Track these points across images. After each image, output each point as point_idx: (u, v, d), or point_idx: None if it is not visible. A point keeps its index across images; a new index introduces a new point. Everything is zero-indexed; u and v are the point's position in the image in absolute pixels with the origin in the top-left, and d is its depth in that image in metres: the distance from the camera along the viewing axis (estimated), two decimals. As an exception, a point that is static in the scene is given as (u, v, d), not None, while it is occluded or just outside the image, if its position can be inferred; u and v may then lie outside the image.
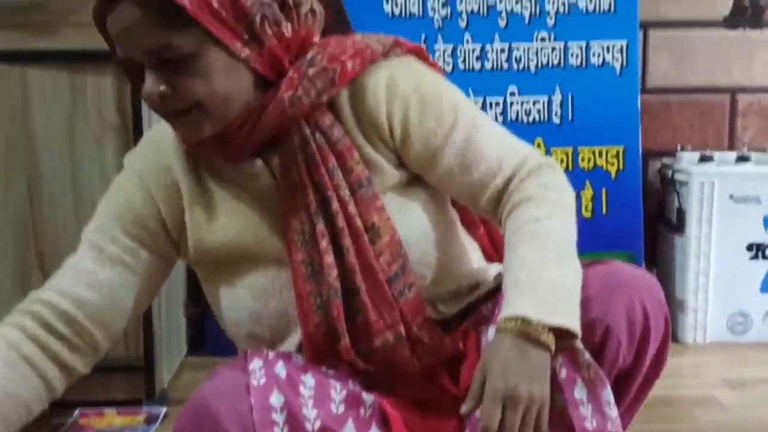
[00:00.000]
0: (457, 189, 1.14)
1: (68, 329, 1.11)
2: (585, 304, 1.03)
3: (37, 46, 1.84)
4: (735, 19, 2.58)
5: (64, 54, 1.84)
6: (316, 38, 1.12)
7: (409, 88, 1.10)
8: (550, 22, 2.37)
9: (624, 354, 1.06)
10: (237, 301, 1.13)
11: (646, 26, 2.52)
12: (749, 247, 2.39)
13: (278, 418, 1.01)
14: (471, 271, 1.21)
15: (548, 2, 2.36)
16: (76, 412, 1.92)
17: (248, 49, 1.03)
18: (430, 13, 2.35)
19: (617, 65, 2.37)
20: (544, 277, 1.01)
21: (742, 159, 2.43)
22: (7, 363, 1.07)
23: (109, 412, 1.92)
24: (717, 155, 2.44)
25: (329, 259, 1.07)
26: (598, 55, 2.37)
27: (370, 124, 1.10)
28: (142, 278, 1.15)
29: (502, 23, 2.36)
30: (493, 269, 1.24)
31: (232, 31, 1.02)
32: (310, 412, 1.03)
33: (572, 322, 0.99)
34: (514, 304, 1.00)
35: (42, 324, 1.10)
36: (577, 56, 2.36)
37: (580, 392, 1.02)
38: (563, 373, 1.02)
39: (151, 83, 1.02)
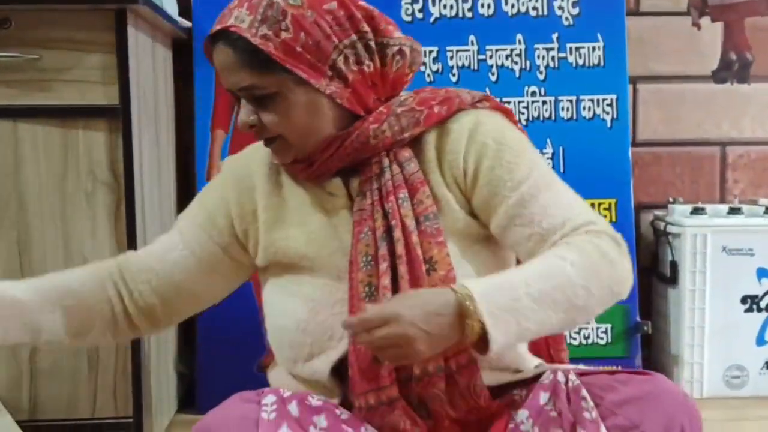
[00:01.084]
0: (517, 239, 1.17)
1: (134, 285, 1.29)
2: (623, 405, 1.05)
3: (29, 101, 1.84)
4: (722, 74, 2.61)
5: (56, 109, 1.85)
6: (408, 78, 1.24)
7: (490, 137, 1.19)
8: (540, 76, 2.39)
9: None
10: (289, 309, 1.20)
11: (635, 80, 2.55)
12: (743, 300, 2.38)
13: None
14: (516, 353, 1.22)
15: (538, 57, 2.38)
16: (63, 474, 1.88)
17: (333, 86, 1.16)
18: (422, 68, 2.37)
19: (608, 118, 2.39)
20: (519, 292, 1.05)
21: (734, 211, 2.43)
22: (83, 272, 1.33)
23: (97, 472, 1.88)
24: (709, 207, 2.45)
25: (386, 281, 1.13)
26: (589, 109, 2.39)
27: (449, 165, 1.19)
28: (204, 267, 1.30)
29: (492, 78, 2.38)
30: (535, 361, 1.26)
31: (316, 71, 1.14)
32: None
33: (500, 341, 1.03)
34: (476, 281, 1.07)
35: (115, 272, 1.30)
36: (567, 110, 2.38)
37: None
38: None
39: (243, 114, 1.18)
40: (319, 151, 1.18)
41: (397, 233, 1.14)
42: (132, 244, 1.85)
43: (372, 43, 1.16)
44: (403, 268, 1.12)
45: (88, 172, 1.87)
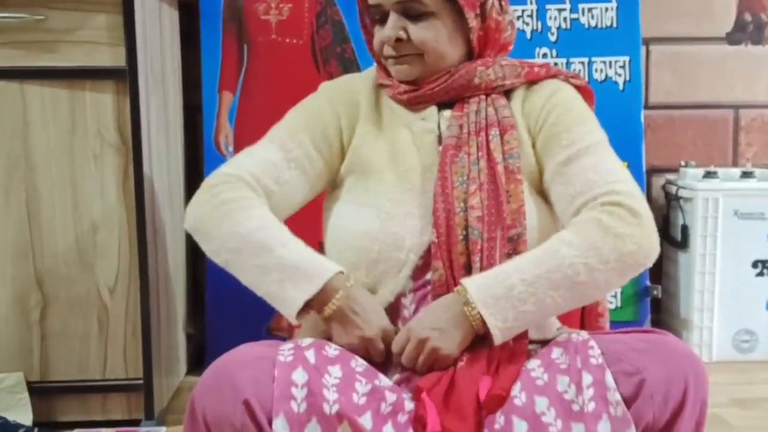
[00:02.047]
0: (556, 196, 1.27)
1: (267, 200, 1.31)
2: (628, 354, 1.09)
3: (36, 63, 1.83)
4: (737, 35, 2.58)
5: (63, 71, 1.84)
6: (511, 48, 1.39)
7: (564, 101, 1.32)
8: (552, 38, 2.36)
9: (656, 413, 1.06)
10: (361, 216, 1.28)
11: (648, 42, 2.51)
12: (754, 264, 2.37)
13: (298, 393, 1.05)
14: (553, 322, 1.34)
15: (550, 18, 2.35)
16: (74, 433, 1.90)
17: (476, 22, 1.30)
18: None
19: (620, 81, 2.36)
20: (512, 278, 1.16)
21: (746, 175, 2.41)
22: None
23: (108, 432, 1.90)
24: (721, 171, 2.43)
25: (474, 200, 1.24)
26: (601, 71, 2.36)
27: (527, 116, 1.32)
28: (311, 184, 1.35)
29: (503, 39, 2.35)
30: (557, 324, 1.35)
31: (471, 4, 1.29)
32: (331, 394, 1.06)
33: (500, 326, 1.15)
34: (473, 281, 1.17)
35: (253, 191, 1.30)
36: (579, 71, 2.35)
37: (603, 427, 1.05)
38: (590, 406, 1.06)
39: (392, 28, 1.29)
40: (428, 81, 1.31)
41: (483, 163, 1.26)
42: (140, 205, 1.85)
43: (503, 3, 1.33)
44: (483, 194, 1.24)
45: (96, 134, 1.86)
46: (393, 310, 1.25)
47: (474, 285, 1.17)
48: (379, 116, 1.36)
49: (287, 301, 1.20)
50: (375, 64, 1.40)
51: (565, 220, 1.25)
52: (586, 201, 1.21)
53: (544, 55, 2.35)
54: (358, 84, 1.40)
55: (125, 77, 1.83)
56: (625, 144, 2.37)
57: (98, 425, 1.93)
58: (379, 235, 1.25)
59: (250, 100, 2.31)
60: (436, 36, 1.29)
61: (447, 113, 1.33)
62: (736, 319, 2.38)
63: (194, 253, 2.38)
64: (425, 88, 1.32)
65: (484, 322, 1.16)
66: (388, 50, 1.31)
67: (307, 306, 1.20)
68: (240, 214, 1.25)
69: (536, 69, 1.35)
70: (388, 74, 1.36)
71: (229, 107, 2.32)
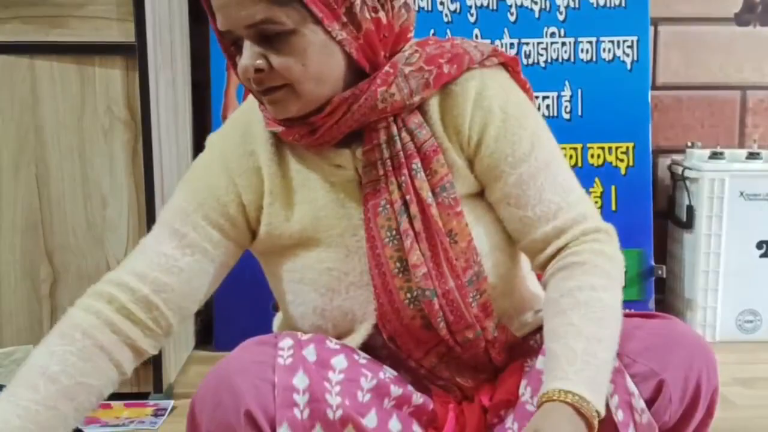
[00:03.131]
0: (507, 217, 1.13)
1: (146, 314, 1.09)
2: (643, 353, 1.03)
3: (46, 38, 1.83)
4: (745, 16, 2.57)
5: (72, 46, 1.84)
6: (411, 35, 1.11)
7: (495, 105, 1.10)
8: (560, 17, 2.35)
9: (671, 413, 1.04)
10: (301, 297, 1.13)
11: (656, 22, 2.51)
12: (759, 245, 2.38)
13: (300, 399, 1.01)
14: (536, 294, 1.20)
15: (558, -3, 2.35)
16: (84, 406, 1.92)
17: (345, 32, 1.02)
18: (439, 8, 2.34)
19: (627, 61, 2.36)
20: (598, 357, 1.00)
21: (753, 156, 2.41)
22: (82, 353, 1.05)
23: (117, 404, 1.92)
24: (727, 152, 2.43)
25: (414, 258, 1.07)
26: (609, 51, 2.36)
27: (455, 130, 1.10)
28: (218, 265, 1.14)
29: (511, 18, 2.35)
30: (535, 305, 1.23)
31: (332, 12, 1.01)
32: (334, 399, 1.02)
33: (603, 407, 0.98)
34: (569, 379, 0.97)
35: (119, 309, 1.08)
36: (587, 52, 2.35)
37: None
38: (620, 415, 1.01)
39: (248, 57, 1.01)
40: (324, 115, 1.06)
41: (414, 209, 1.08)
42: (149, 180, 1.86)
43: None
44: (423, 246, 1.08)
45: (106, 109, 1.87)
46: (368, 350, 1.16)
47: (584, 387, 0.97)
48: (286, 178, 1.13)
49: None
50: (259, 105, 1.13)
51: (523, 241, 1.13)
52: (559, 229, 1.09)
53: (552, 34, 2.35)
54: (254, 137, 1.14)
55: (134, 53, 1.83)
56: (632, 124, 2.37)
57: (107, 397, 1.95)
58: (326, 313, 1.13)
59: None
60: (303, 59, 1.01)
61: (359, 152, 1.10)
62: (740, 299, 2.39)
63: (202, 229, 2.40)
64: (321, 129, 1.07)
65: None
66: (254, 85, 1.05)
67: None
68: (48, 337, 1.08)
69: (445, 68, 1.08)
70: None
71: (237, 84, 2.32)
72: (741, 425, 1.82)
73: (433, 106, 1.10)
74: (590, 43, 2.35)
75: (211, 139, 1.19)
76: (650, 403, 1.03)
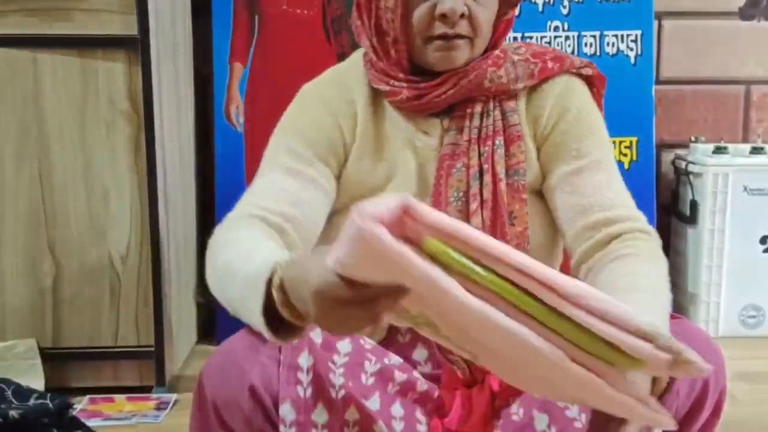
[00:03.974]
0: (561, 204, 1.16)
1: (283, 240, 1.09)
2: None
3: (48, 30, 1.83)
4: (750, 10, 2.56)
5: (75, 39, 1.84)
6: (510, 30, 1.21)
7: (574, 106, 1.18)
8: (564, 11, 2.35)
9: (678, 406, 1.05)
10: None
11: (660, 16, 2.50)
12: (763, 240, 2.37)
13: (304, 378, 1.03)
14: None
15: (562, -9, 2.34)
16: (86, 399, 1.92)
17: (511, 11, 1.16)
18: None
19: (631, 55, 2.35)
20: (661, 305, 1.03)
21: (756, 151, 2.40)
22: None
23: (119, 398, 1.93)
24: (731, 147, 2.42)
25: (476, 221, 1.12)
26: (612, 45, 2.35)
27: (534, 119, 1.18)
28: (330, 202, 1.17)
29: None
30: None
31: None
32: (337, 379, 1.04)
33: None
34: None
35: (263, 231, 1.08)
36: (590, 45, 2.34)
37: (633, 427, 0.98)
38: None
39: (457, 1, 1.10)
40: (433, 85, 1.14)
41: (487, 178, 1.14)
42: (152, 173, 1.86)
43: None
44: (486, 214, 1.13)
45: (108, 102, 1.87)
46: (388, 332, 1.17)
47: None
48: (377, 131, 1.18)
49: (252, 318, 0.93)
50: (365, 60, 1.19)
51: (572, 230, 1.15)
52: (607, 220, 1.12)
53: (556, 28, 2.34)
54: (352, 89, 1.19)
55: (137, 46, 1.83)
56: (636, 119, 2.36)
57: (110, 391, 1.95)
58: None
59: (261, 71, 2.31)
60: (490, 17, 1.14)
61: (446, 122, 1.17)
62: (743, 294, 2.39)
63: (205, 222, 2.40)
64: (430, 95, 1.14)
65: None
66: (439, 29, 1.11)
67: (273, 317, 0.90)
68: (232, 242, 1.04)
69: (549, 64, 1.18)
70: (387, 75, 1.16)
71: (240, 78, 2.32)
72: (743, 420, 1.81)
73: (523, 96, 1.19)
74: (594, 37, 2.35)
75: (307, 89, 1.22)
76: (658, 398, 0.99)
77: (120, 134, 1.88)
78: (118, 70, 1.86)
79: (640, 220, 1.13)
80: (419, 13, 1.11)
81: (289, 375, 1.02)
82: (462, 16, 1.10)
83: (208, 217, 2.39)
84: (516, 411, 1.09)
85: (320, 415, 1.03)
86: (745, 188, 2.35)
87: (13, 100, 1.86)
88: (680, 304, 2.47)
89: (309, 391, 1.03)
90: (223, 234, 1.08)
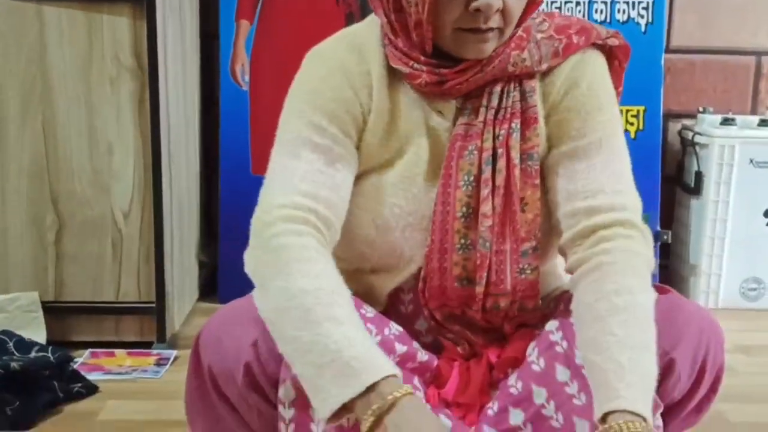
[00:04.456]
0: (552, 185, 1.13)
1: (328, 231, 1.08)
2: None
3: (53, -17, 1.82)
4: (763, -20, 2.53)
5: (80, -8, 1.83)
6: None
7: (585, 79, 1.13)
8: (575, -24, 2.32)
9: (680, 389, 1.05)
10: (356, 222, 1.13)
11: (673, -16, 2.47)
12: (766, 213, 2.36)
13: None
14: (560, 275, 1.20)
15: (574, -44, 2.31)
16: (87, 352, 1.94)
17: None
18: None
19: (642, 22, 2.33)
20: (643, 366, 0.98)
21: (764, 123, 2.39)
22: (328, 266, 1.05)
23: (120, 353, 1.94)
24: (739, 119, 2.41)
25: (486, 208, 1.08)
26: (623, 12, 2.32)
27: (546, 95, 1.13)
28: (354, 177, 1.14)
29: (526, -24, 2.31)
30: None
31: None
32: None
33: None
34: (626, 397, 0.95)
35: (316, 230, 1.06)
36: (601, 12, 2.32)
37: None
38: None
39: None
40: (455, 71, 1.09)
41: (501, 163, 1.10)
42: (155, 130, 1.86)
43: None
44: (498, 201, 1.09)
45: (113, 58, 1.86)
46: (391, 301, 1.18)
47: (641, 405, 0.95)
48: (391, 105, 1.14)
49: (321, 393, 0.95)
50: (383, 33, 1.14)
51: (556, 214, 1.12)
52: (589, 209, 1.08)
53: (567, -6, 2.32)
54: (369, 61, 1.15)
55: (143, 1, 1.81)
56: (644, 88, 2.35)
57: (111, 346, 1.97)
58: (376, 244, 1.13)
59: (268, 30, 2.29)
60: (522, 5, 1.08)
61: (459, 101, 1.14)
62: (745, 267, 2.39)
63: (208, 181, 2.39)
64: (452, 82, 1.10)
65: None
66: (471, 22, 1.06)
67: (344, 408, 0.94)
68: (295, 266, 1.01)
69: (575, 39, 1.12)
70: (407, 56, 1.12)
71: (246, 36, 2.30)
72: (742, 392, 1.83)
73: (538, 74, 1.14)
74: (605, 3, 2.32)
75: (326, 53, 1.16)
76: (661, 381, 1.01)
77: (124, 89, 1.87)
78: (123, 24, 1.84)
79: (627, 209, 1.08)
80: (451, 8, 1.04)
81: None
82: (497, 11, 1.05)
83: (211, 174, 2.39)
84: (514, 384, 1.09)
85: None
86: (752, 161, 2.34)
87: (18, 54, 1.85)
88: (682, 275, 2.47)
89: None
90: (280, 243, 1.04)
